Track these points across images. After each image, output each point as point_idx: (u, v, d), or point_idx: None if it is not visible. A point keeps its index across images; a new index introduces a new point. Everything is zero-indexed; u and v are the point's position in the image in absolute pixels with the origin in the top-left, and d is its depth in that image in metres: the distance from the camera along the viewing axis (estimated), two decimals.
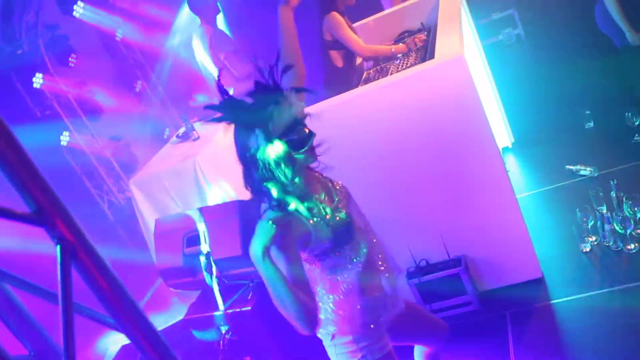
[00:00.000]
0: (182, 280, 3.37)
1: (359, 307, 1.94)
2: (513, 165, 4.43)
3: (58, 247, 1.10)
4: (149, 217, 4.33)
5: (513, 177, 3.91)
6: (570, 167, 3.94)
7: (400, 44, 4.11)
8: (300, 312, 1.65)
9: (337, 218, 1.87)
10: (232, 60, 5.10)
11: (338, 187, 2.02)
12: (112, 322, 1.15)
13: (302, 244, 1.80)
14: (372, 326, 1.96)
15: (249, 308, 3.18)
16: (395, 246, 3.29)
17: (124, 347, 4.09)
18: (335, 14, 4.08)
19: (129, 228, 6.38)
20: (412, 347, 2.45)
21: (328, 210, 1.86)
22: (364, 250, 1.95)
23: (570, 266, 3.24)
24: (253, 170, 1.76)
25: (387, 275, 2.04)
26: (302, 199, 1.80)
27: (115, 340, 4.42)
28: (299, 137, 1.74)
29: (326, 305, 1.95)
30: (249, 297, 3.21)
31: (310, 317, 1.68)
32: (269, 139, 1.70)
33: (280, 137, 1.71)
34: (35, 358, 1.26)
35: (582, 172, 3.85)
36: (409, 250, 3.30)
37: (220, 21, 5.61)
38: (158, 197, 4.37)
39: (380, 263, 2.03)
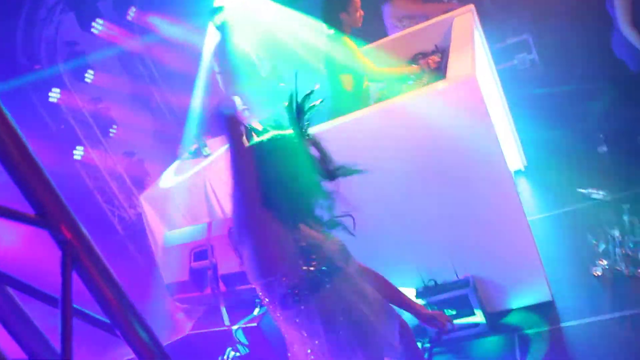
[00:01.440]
0: (188, 294, 3.36)
1: None
2: (525, 188, 4.40)
3: (61, 250, 1.10)
4: (158, 232, 4.34)
5: (524, 200, 3.88)
6: (582, 190, 3.90)
7: (413, 65, 4.12)
8: None
9: (310, 270, 1.78)
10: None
11: (333, 246, 1.92)
12: (111, 327, 1.15)
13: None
14: None
15: (255, 324, 3.16)
16: (404, 265, 3.28)
17: None
18: (346, 38, 4.10)
19: (139, 243, 6.40)
20: None
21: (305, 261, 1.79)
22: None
23: (581, 290, 3.19)
24: None
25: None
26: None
27: (120, 354, 4.40)
28: None
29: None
30: (256, 313, 3.19)
31: None
32: None
33: None
34: None
35: (594, 196, 3.82)
36: (417, 270, 3.27)
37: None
38: (168, 212, 4.38)
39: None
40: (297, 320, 1.78)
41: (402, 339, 2.07)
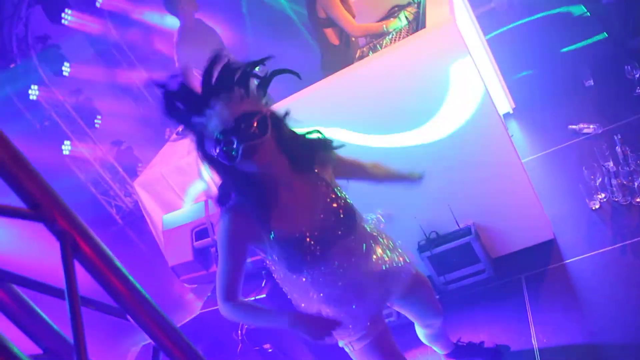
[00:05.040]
0: (194, 274, 3.36)
1: (327, 310, 1.88)
2: (516, 130, 4.39)
3: (59, 241, 1.09)
4: (156, 216, 4.33)
5: (517, 142, 3.88)
6: (573, 126, 3.90)
7: (391, 18, 4.06)
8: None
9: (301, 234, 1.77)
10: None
11: (329, 199, 1.83)
12: (122, 312, 1.15)
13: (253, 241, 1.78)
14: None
15: (264, 295, 3.18)
16: (404, 220, 3.28)
17: (144, 347, 4.10)
18: None
19: (139, 230, 6.41)
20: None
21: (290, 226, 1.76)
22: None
23: (581, 225, 3.21)
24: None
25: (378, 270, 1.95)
26: (256, 213, 1.73)
27: (136, 341, 4.44)
28: (226, 150, 1.60)
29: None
30: (263, 285, 3.20)
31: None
32: (200, 146, 1.64)
33: (214, 148, 1.61)
34: (50, 356, 1.25)
35: (585, 131, 3.82)
36: (418, 223, 3.28)
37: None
38: (163, 195, 4.35)
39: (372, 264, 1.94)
40: (304, 280, 1.82)
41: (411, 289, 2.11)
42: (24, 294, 1.26)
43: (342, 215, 1.82)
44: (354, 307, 1.90)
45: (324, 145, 1.82)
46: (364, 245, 1.91)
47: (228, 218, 1.73)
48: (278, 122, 1.70)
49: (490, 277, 3.23)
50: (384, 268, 1.96)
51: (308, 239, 1.76)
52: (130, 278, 1.10)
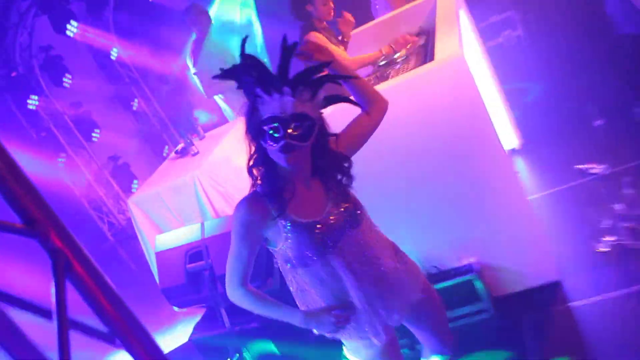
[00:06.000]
0: (185, 298, 3.26)
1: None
2: (522, 167, 4.34)
3: (52, 260, 1.03)
4: (149, 235, 4.23)
5: (523, 179, 3.82)
6: (580, 166, 3.85)
7: (385, 45, 4.02)
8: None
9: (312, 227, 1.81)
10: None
11: (341, 202, 1.90)
12: (110, 336, 1.07)
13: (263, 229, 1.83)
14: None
15: (256, 325, 3.08)
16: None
17: None
18: (313, 34, 4.02)
19: (130, 249, 6.30)
20: None
21: (299, 218, 1.81)
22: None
23: (587, 267, 3.13)
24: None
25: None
26: (273, 195, 1.79)
27: None
28: (271, 135, 1.69)
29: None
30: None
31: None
32: (250, 126, 1.74)
33: (260, 124, 1.71)
34: None
35: (593, 171, 3.76)
36: (418, 257, 3.19)
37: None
38: (158, 214, 4.27)
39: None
40: (313, 275, 1.87)
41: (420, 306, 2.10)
42: (7, 312, 1.18)
43: (349, 209, 1.90)
44: (362, 305, 1.91)
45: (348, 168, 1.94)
46: (370, 238, 1.96)
47: (246, 205, 1.81)
48: (322, 135, 1.81)
49: (491, 317, 3.14)
50: (391, 267, 2.01)
51: (319, 229, 1.82)
52: (124, 303, 1.03)
